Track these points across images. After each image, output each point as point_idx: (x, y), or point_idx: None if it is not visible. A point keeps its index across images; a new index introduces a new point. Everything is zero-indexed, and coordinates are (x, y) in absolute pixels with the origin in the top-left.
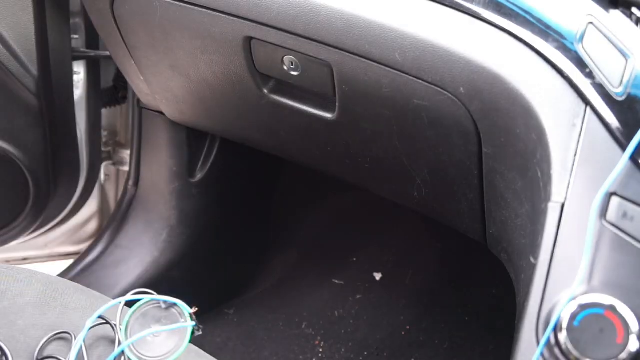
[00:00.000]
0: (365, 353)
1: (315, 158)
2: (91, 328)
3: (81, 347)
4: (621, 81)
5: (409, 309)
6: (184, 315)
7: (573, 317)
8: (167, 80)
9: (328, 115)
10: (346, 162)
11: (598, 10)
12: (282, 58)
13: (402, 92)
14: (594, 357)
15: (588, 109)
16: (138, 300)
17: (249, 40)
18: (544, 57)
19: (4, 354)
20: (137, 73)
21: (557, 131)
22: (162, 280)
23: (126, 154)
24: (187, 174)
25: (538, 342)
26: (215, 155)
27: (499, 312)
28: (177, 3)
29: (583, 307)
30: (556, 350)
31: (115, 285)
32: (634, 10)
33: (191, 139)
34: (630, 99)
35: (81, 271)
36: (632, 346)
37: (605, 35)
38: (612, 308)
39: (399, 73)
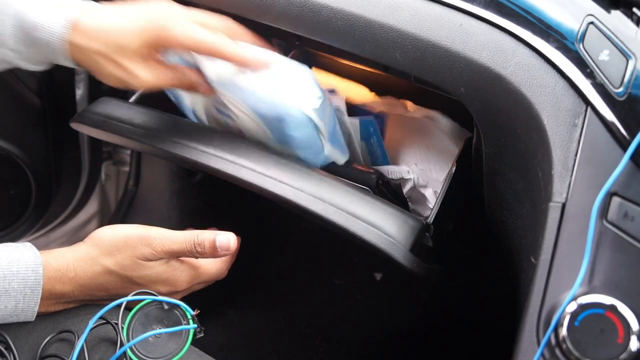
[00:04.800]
0: (366, 353)
1: None
2: (93, 328)
3: (83, 347)
4: (622, 81)
5: (409, 309)
6: (186, 317)
7: (574, 317)
8: None
9: None
10: None
11: (599, 10)
12: None
13: None
14: (595, 357)
15: (589, 109)
16: (140, 301)
17: None
18: (544, 57)
19: (11, 350)
20: None
21: (557, 131)
22: None
23: (127, 153)
24: (188, 174)
25: (539, 342)
26: None
27: (499, 312)
28: None
29: (584, 307)
30: (557, 351)
31: None
32: (635, 10)
33: None
34: (631, 99)
35: None
36: (633, 346)
37: (606, 35)
38: (612, 308)
39: None
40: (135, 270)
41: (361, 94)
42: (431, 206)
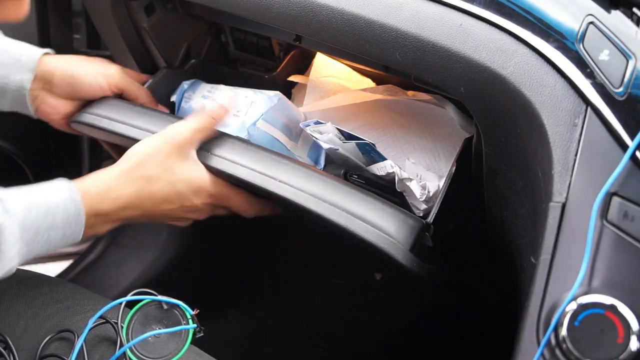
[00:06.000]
0: (366, 353)
1: None
2: (93, 328)
3: (82, 346)
4: (622, 81)
5: (409, 309)
6: (186, 317)
7: (574, 317)
8: None
9: None
10: None
11: (599, 10)
12: None
13: None
14: (595, 357)
15: (589, 108)
16: (139, 300)
17: None
18: (544, 57)
19: (11, 350)
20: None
21: (557, 131)
22: (162, 280)
23: None
24: None
25: (539, 342)
26: None
27: (499, 312)
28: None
29: (584, 307)
30: (557, 351)
31: (115, 285)
32: (635, 10)
33: None
34: (631, 99)
35: (81, 271)
36: (633, 346)
37: (606, 35)
38: (612, 308)
39: None
40: (172, 173)
41: (361, 81)
42: (419, 198)
